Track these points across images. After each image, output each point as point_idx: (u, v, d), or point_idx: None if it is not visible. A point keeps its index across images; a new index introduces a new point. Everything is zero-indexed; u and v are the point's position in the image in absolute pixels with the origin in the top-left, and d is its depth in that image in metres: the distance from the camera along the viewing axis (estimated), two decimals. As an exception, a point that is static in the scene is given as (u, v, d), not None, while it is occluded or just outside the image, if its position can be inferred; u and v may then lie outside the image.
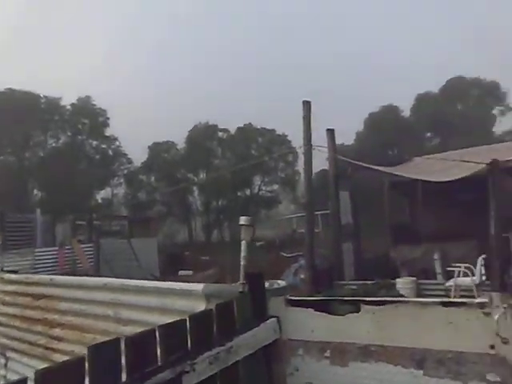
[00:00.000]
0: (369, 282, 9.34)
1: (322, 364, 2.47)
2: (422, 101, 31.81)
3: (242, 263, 2.71)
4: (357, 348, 2.39)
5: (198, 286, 2.77)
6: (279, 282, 8.74)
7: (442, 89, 32.00)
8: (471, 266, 8.66)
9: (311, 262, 9.85)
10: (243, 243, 2.74)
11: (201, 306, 2.68)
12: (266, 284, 7.66)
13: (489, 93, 31.89)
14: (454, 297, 8.64)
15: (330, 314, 2.45)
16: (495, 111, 32.08)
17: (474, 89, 31.99)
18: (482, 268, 8.61)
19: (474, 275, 8.55)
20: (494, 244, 8.62)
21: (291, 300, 2.55)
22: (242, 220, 2.80)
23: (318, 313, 2.48)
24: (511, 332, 2.31)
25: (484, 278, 8.65)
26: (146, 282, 3.20)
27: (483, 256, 8.67)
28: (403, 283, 9.65)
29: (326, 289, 9.20)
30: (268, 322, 2.50)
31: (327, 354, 2.46)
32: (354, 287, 9.50)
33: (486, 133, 29.57)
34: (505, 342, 2.35)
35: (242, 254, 2.71)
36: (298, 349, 2.55)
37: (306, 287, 9.81)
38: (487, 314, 2.33)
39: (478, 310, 2.33)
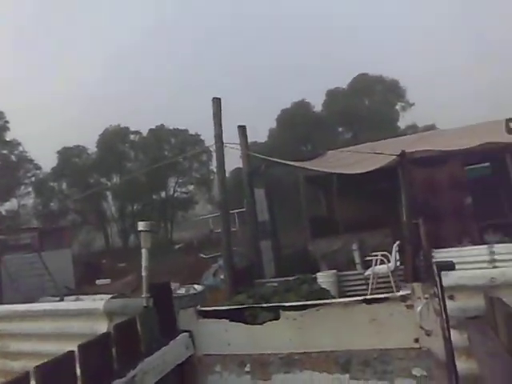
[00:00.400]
0: (290, 278, 9.29)
1: (243, 380, 2.23)
2: (333, 96, 32.89)
3: (143, 274, 2.37)
4: (279, 358, 2.18)
5: (99, 304, 2.40)
6: (196, 286, 8.33)
7: (349, 84, 33.35)
8: (387, 254, 8.94)
9: (230, 261, 9.69)
10: (144, 251, 2.40)
11: (103, 327, 2.33)
12: (182, 290, 7.25)
13: (390, 90, 33.80)
14: (372, 284, 8.87)
15: (247, 323, 2.22)
16: (398, 107, 34.10)
17: (378, 85, 33.74)
18: (397, 254, 8.92)
19: (389, 262, 8.83)
20: (406, 230, 8.98)
21: (203, 311, 2.29)
22: (141, 225, 2.46)
23: (234, 323, 2.24)
24: (433, 323, 2.23)
25: (398, 263, 8.97)
26: (37, 304, 2.76)
27: (397, 243, 9.00)
28: (324, 277, 9.72)
29: (246, 288, 9.03)
30: (178, 338, 2.21)
31: (247, 368, 2.22)
32: (275, 284, 9.42)
33: (392, 127, 31.33)
34: (428, 333, 2.27)
35: (144, 263, 2.38)
36: (215, 365, 2.29)
37: (227, 287, 9.63)
38: (410, 307, 2.23)
39: (401, 303, 2.23)
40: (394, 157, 9.45)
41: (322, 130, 31.00)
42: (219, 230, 12.07)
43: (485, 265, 7.95)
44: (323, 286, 8.89)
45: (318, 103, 33.27)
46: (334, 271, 10.11)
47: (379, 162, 9.94)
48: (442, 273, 2.10)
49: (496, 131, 8.73)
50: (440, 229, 9.35)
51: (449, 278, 2.07)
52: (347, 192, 12.56)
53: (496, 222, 9.87)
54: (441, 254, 8.41)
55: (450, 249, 8.55)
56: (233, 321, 2.24)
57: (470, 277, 2.10)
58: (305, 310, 2.23)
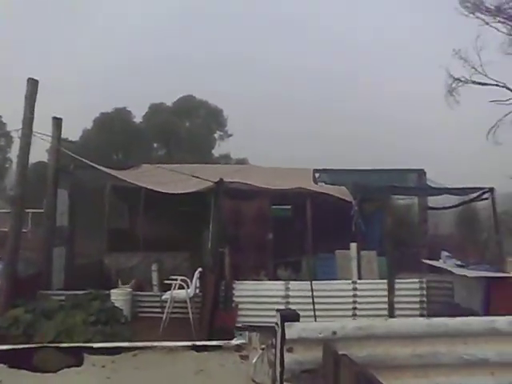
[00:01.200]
0: (80, 293, 8.36)
1: None
2: (155, 110, 32.32)
3: None
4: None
5: None
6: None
7: (174, 103, 33.30)
8: (187, 279, 8.73)
9: (11, 266, 8.25)
10: None
11: None
12: None
13: (213, 117, 34.91)
14: (169, 308, 8.53)
15: (35, 370, 1.61)
16: (216, 135, 35.34)
17: (202, 109, 34.51)
18: (198, 281, 8.79)
19: (189, 287, 8.63)
20: (210, 258, 8.97)
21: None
22: None
23: (15, 370, 1.61)
24: (266, 376, 1.97)
25: (198, 290, 8.84)
26: None
27: (200, 269, 8.87)
28: (118, 294, 9.04)
29: (26, 300, 7.77)
30: None
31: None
32: (63, 298, 8.38)
33: (207, 153, 32.19)
34: (257, 387, 2.02)
35: None
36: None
37: (1, 298, 8.15)
38: (244, 358, 1.94)
39: (235, 353, 1.92)
40: (211, 183, 9.46)
41: (138, 141, 30.06)
42: (5, 229, 10.43)
43: (279, 299, 8.45)
44: (116, 305, 8.23)
45: (139, 114, 32.25)
46: (130, 290, 9.53)
47: (194, 186, 9.86)
48: (286, 324, 1.87)
49: (304, 178, 9.50)
50: (242, 260, 9.63)
51: (292, 330, 1.86)
52: (154, 209, 12.18)
53: (288, 259, 10.70)
54: (241, 286, 8.61)
55: (250, 282, 8.85)
56: (13, 367, 1.59)
57: (312, 329, 1.92)
58: (118, 354, 1.73)
